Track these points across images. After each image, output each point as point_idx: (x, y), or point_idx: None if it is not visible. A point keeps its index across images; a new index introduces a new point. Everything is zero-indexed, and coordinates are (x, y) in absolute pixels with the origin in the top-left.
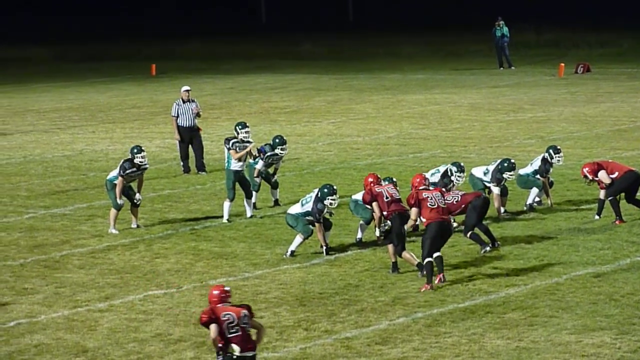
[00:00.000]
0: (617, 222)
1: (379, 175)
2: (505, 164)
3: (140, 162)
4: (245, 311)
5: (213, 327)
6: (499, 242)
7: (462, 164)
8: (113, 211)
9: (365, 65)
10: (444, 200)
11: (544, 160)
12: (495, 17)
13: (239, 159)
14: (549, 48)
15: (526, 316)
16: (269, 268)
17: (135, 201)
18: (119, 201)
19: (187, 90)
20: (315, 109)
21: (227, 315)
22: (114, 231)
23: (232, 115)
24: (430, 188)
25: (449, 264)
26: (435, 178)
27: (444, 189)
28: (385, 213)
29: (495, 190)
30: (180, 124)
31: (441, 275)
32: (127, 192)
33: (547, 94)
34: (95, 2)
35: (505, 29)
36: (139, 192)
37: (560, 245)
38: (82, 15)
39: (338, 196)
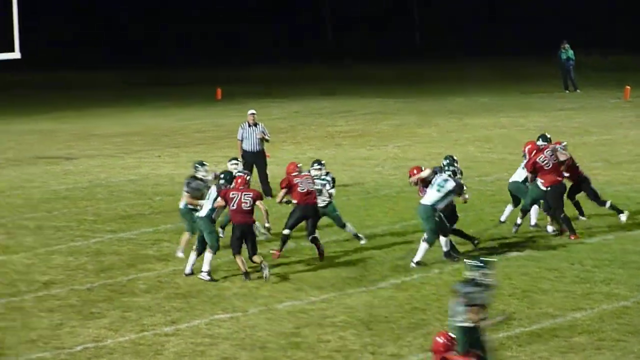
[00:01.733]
0: (571, 237)
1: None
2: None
3: (203, 176)
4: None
5: None
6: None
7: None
8: (186, 234)
9: (430, 89)
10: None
11: None
12: (560, 40)
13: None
14: (614, 71)
15: (593, 340)
16: (335, 292)
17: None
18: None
19: (253, 114)
20: (381, 133)
21: None
22: (180, 254)
23: (297, 140)
24: (303, 174)
25: (517, 287)
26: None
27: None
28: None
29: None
30: (244, 148)
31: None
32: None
33: (612, 117)
34: (159, 30)
35: (571, 52)
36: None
37: (627, 268)
38: (147, 45)
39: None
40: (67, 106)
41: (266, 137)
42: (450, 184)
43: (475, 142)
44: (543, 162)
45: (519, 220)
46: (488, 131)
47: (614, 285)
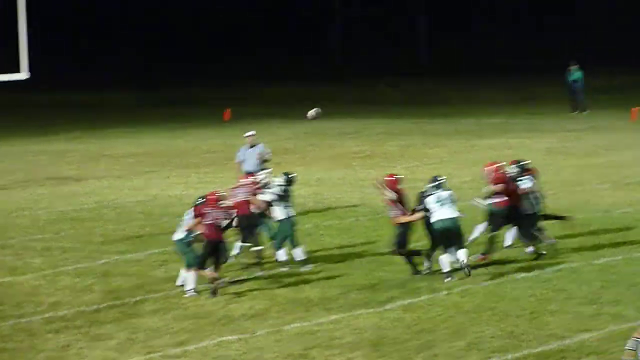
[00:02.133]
0: (481, 257)
1: (218, 198)
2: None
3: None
4: None
5: None
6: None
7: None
8: None
9: (439, 110)
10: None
11: None
12: (569, 61)
13: None
14: (622, 92)
15: None
16: (343, 313)
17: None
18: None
19: (251, 135)
20: (389, 154)
21: None
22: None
23: (307, 160)
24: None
25: (524, 308)
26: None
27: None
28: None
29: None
30: (245, 169)
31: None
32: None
33: (620, 138)
34: (166, 49)
35: (578, 74)
36: None
37: (634, 290)
38: (156, 61)
39: None
40: (80, 127)
41: (266, 156)
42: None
43: (484, 163)
44: (509, 179)
45: (530, 248)
46: (496, 152)
47: (622, 307)
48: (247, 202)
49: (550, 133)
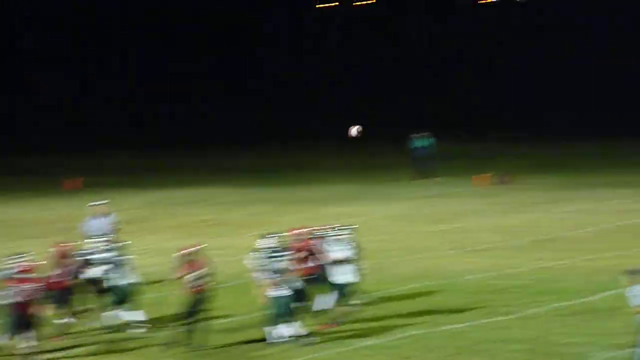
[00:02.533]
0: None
1: (27, 269)
2: None
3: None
4: None
5: None
6: None
7: None
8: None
9: (286, 179)
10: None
11: None
12: (416, 128)
13: None
14: (470, 159)
15: None
16: None
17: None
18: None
19: (100, 205)
20: (237, 222)
21: None
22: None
23: (153, 230)
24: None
25: None
26: None
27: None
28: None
29: None
30: (93, 239)
31: None
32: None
33: (468, 205)
34: (166, 49)
35: (426, 140)
36: None
37: (481, 356)
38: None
39: None
40: None
41: (115, 226)
42: None
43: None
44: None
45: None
46: (345, 220)
47: None
48: (63, 274)
49: (398, 200)
